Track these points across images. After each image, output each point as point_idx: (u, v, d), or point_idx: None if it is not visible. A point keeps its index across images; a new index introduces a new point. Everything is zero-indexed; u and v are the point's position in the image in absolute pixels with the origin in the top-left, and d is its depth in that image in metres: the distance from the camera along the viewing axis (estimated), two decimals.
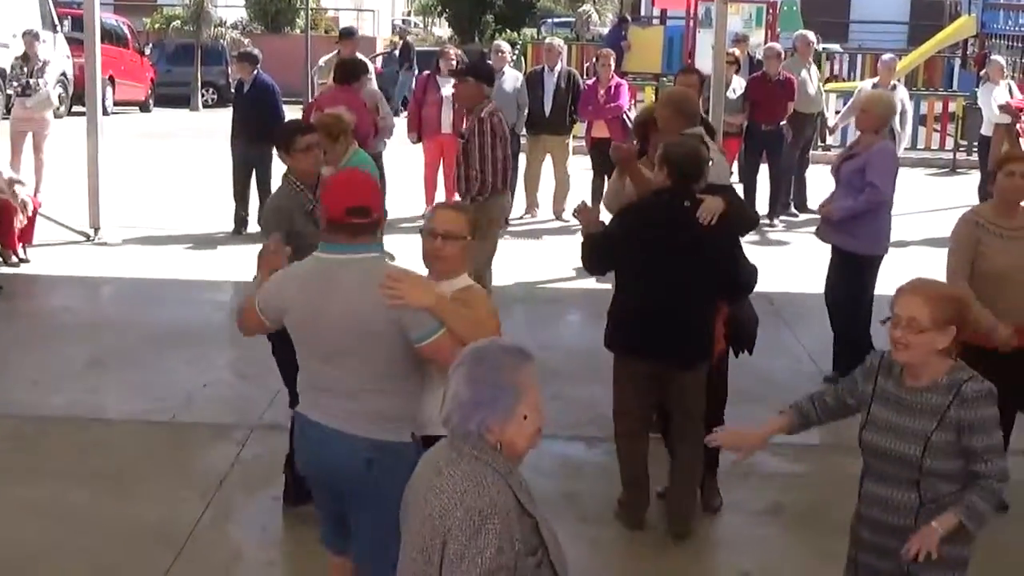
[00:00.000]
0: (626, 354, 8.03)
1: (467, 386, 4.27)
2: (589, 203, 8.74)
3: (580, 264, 8.39)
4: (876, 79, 20.21)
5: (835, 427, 10.19)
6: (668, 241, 7.81)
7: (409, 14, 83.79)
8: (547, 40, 22.94)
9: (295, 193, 8.19)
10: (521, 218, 18.44)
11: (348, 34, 19.36)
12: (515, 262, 14.57)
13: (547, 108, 18.14)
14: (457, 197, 12.30)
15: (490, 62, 18.35)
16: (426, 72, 19.21)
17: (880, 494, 5.61)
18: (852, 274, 11.16)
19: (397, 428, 5.82)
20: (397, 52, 39.50)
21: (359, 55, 17.70)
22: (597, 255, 8.15)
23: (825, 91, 22.88)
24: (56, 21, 32.91)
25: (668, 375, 7.96)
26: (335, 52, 18.33)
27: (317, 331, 5.74)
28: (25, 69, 19.89)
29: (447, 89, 17.95)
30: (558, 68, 18.70)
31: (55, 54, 27.65)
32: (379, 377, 5.77)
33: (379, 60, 38.02)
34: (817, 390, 6.15)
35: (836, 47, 36.73)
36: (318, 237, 6.67)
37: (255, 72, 17.55)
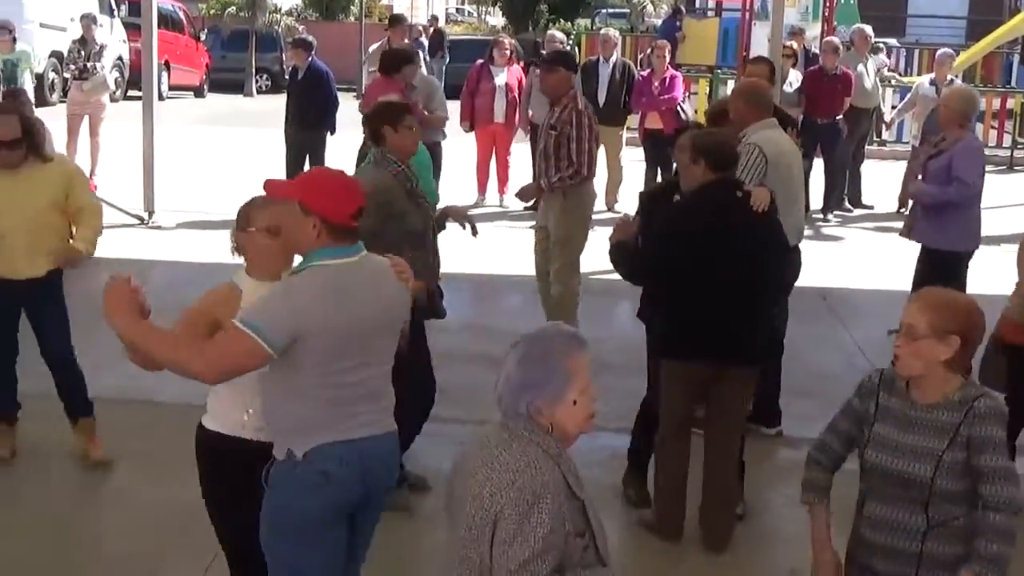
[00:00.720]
0: (689, 359, 7.72)
1: (518, 367, 4.34)
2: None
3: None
4: (932, 75, 20.07)
5: None
6: (729, 235, 7.62)
7: (463, 3, 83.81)
8: (602, 31, 22.87)
9: (397, 173, 8.02)
10: None
11: (397, 21, 19.29)
12: None
13: (601, 99, 18.11)
14: (519, 184, 12.37)
15: (543, 51, 18.36)
16: (479, 61, 19.20)
17: (885, 516, 5.27)
18: (943, 271, 11.05)
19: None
20: (426, 40, 39.37)
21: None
22: (648, 262, 7.84)
23: (881, 86, 22.73)
24: (113, 5, 33.14)
25: (723, 375, 7.75)
26: (385, 40, 18.30)
27: (362, 336, 5.45)
28: (83, 53, 19.99)
29: (500, 78, 17.98)
30: (613, 59, 18.69)
31: (112, 38, 27.81)
32: (390, 366, 5.71)
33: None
34: (817, 443, 5.80)
35: (893, 41, 36.49)
36: (418, 221, 6.81)
37: (310, 59, 17.59)
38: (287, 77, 20.55)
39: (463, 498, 4.38)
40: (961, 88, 14.17)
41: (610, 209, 18.38)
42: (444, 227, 8.59)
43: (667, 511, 8.00)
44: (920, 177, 11.45)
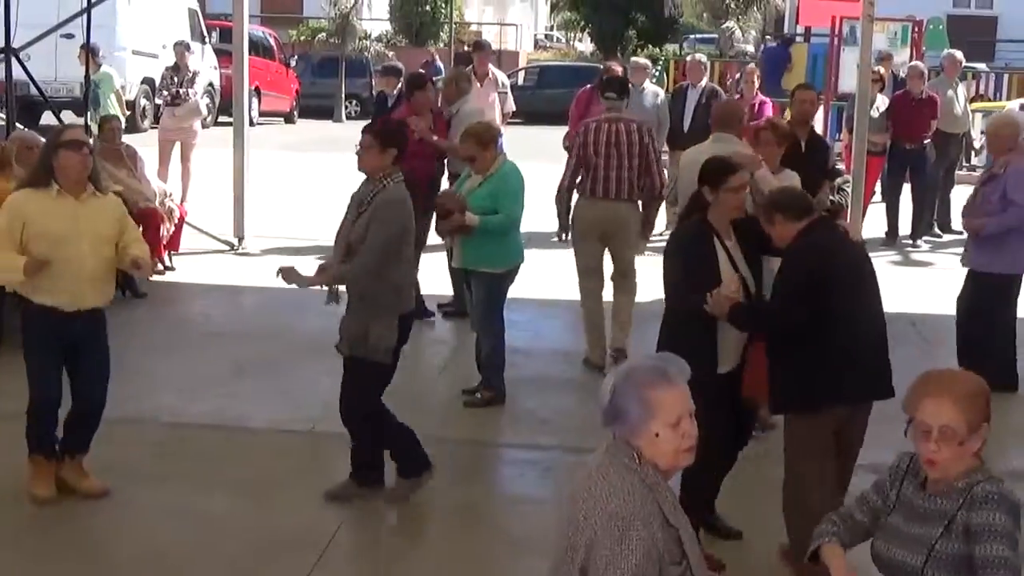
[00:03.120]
0: (835, 404, 7.42)
1: (610, 394, 4.42)
2: None
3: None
4: (1022, 99, 19.93)
5: (992, 451, 10.11)
6: (861, 270, 7.60)
7: (552, 28, 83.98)
8: (690, 56, 22.86)
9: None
10: (661, 234, 18.40)
11: (480, 47, 19.12)
12: (651, 277, 14.52)
13: (686, 124, 18.02)
14: None
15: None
16: (588, 86, 19.20)
17: None
18: (997, 296, 11.12)
19: None
20: (442, 64, 39.30)
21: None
22: (794, 314, 7.32)
23: (971, 111, 22.56)
24: (205, 32, 33.49)
25: (855, 415, 7.60)
26: (470, 67, 18.16)
27: None
28: (175, 79, 20.21)
29: None
30: (701, 84, 18.66)
31: (203, 65, 28.10)
32: None
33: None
34: (844, 510, 5.35)
35: (982, 66, 36.23)
36: None
37: (399, 85, 17.67)
38: (374, 103, 20.67)
39: (563, 520, 4.46)
40: (1003, 114, 14.25)
41: None
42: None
43: None
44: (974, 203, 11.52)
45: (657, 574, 4.27)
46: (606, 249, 12.03)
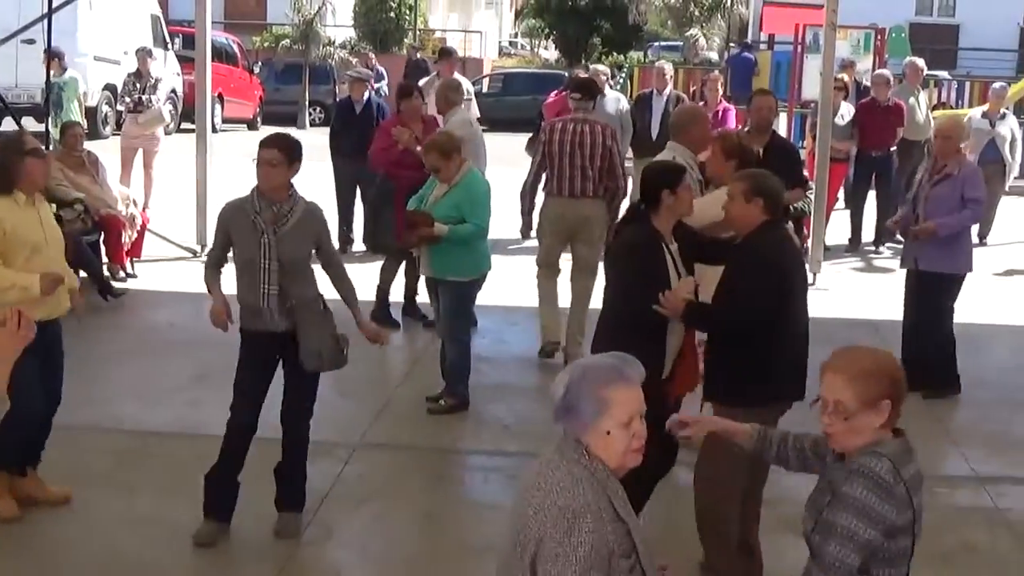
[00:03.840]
0: (778, 401, 7.51)
1: (563, 387, 4.42)
2: None
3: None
4: (985, 107, 20.02)
5: (937, 456, 10.17)
6: (804, 272, 7.88)
7: (516, 35, 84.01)
8: (656, 64, 22.91)
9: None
10: None
11: (446, 54, 19.12)
12: None
13: (654, 131, 18.03)
14: None
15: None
16: (559, 93, 19.25)
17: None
18: (946, 294, 11.54)
19: None
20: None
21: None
22: (755, 312, 7.32)
23: (933, 118, 22.63)
24: (167, 38, 33.38)
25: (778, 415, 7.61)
26: (435, 74, 18.22)
27: None
28: (137, 86, 20.14)
29: None
30: (666, 91, 18.69)
31: (166, 71, 28.00)
32: None
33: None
34: (802, 433, 5.44)
35: (944, 74, 36.40)
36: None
37: (367, 92, 17.67)
38: (337, 110, 20.65)
39: (512, 516, 4.46)
40: (950, 117, 14.46)
41: None
42: None
43: (740, 570, 7.79)
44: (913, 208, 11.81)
45: (607, 568, 4.27)
46: (568, 246, 12.31)
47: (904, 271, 11.91)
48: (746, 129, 12.36)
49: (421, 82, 19.65)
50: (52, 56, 20.04)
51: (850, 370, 4.78)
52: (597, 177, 11.91)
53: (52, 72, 20.20)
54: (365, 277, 12.15)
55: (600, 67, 21.24)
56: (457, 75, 17.70)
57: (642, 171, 8.09)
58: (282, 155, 7.99)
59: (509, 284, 13.78)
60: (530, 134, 19.31)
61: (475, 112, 18.14)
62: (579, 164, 11.89)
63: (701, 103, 19.08)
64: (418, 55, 41.36)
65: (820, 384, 4.83)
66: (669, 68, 20.50)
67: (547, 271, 12.47)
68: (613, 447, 4.38)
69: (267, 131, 31.14)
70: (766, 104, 12.24)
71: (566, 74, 20.78)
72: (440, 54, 19.66)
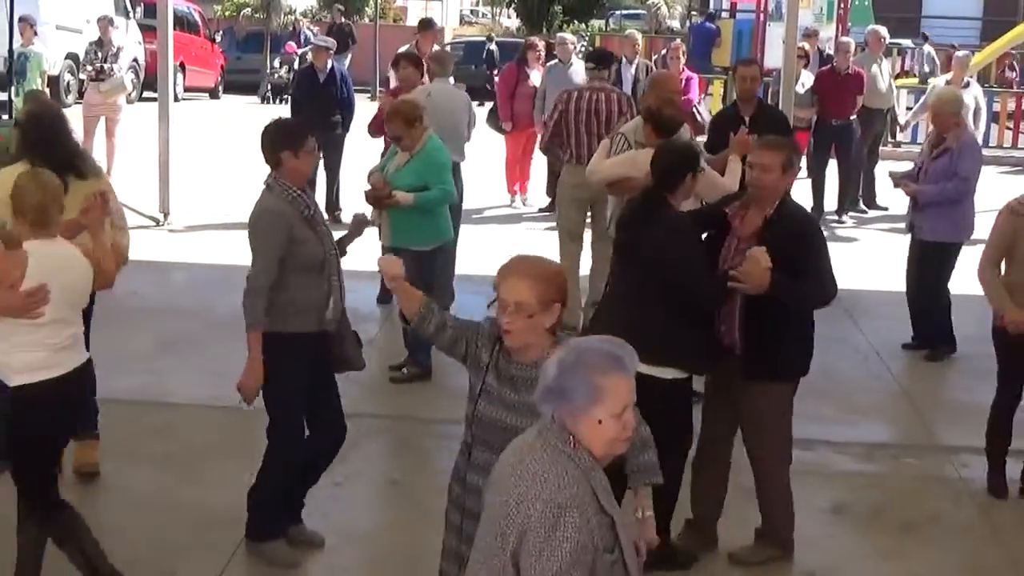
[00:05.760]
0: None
1: (556, 371, 4.28)
2: None
3: None
4: (949, 76, 20.08)
5: (905, 427, 10.26)
6: None
7: (477, 4, 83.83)
8: (627, 32, 22.98)
9: (294, 198, 7.40)
10: None
11: (427, 25, 19.04)
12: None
13: None
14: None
15: (555, 53, 18.45)
16: (511, 62, 19.32)
17: (490, 462, 4.90)
18: (935, 261, 11.81)
19: None
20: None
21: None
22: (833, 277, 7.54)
23: (896, 87, 22.70)
24: (129, 7, 33.18)
25: None
26: (412, 43, 18.15)
27: None
28: (99, 54, 20.07)
29: (535, 80, 18.03)
30: (636, 60, 18.79)
31: (128, 40, 27.82)
32: None
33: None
34: (450, 317, 5.97)
35: (907, 42, 36.46)
36: (317, 251, 6.83)
37: (330, 61, 17.66)
38: (297, 78, 20.66)
39: (491, 504, 4.38)
40: (945, 90, 14.56)
41: None
42: (346, 253, 7.80)
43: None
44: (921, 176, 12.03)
45: (590, 563, 4.18)
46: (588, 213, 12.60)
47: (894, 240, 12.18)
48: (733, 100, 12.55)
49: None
50: (26, 24, 20.06)
51: (531, 273, 5.33)
52: None
53: (22, 41, 20.19)
54: None
55: (567, 35, 21.21)
56: (436, 47, 17.68)
57: (660, 153, 7.86)
58: None
59: (474, 254, 13.77)
60: (491, 104, 19.37)
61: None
62: (595, 131, 12.16)
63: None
64: (342, 19, 41.20)
65: (499, 288, 5.33)
66: (639, 36, 20.60)
67: (569, 244, 12.63)
68: (603, 436, 4.27)
69: (228, 100, 30.82)
70: (748, 74, 12.42)
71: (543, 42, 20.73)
72: (420, 25, 19.61)
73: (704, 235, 7.74)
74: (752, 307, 7.33)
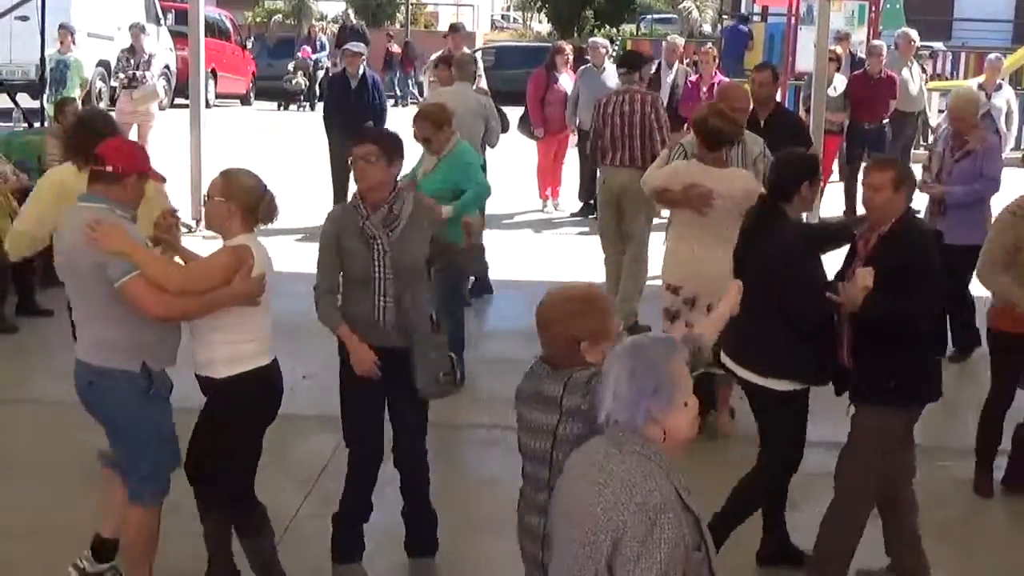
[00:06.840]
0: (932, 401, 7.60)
1: (628, 380, 4.31)
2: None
3: None
4: (980, 79, 20.01)
5: (936, 429, 10.21)
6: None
7: (509, 9, 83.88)
8: (668, 37, 23.10)
9: (354, 206, 7.46)
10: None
11: (456, 29, 19.25)
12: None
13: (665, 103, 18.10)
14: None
15: (587, 57, 18.47)
16: (541, 67, 19.33)
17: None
18: (961, 264, 11.58)
19: (116, 356, 6.76)
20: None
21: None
22: (937, 298, 7.44)
23: (927, 90, 22.64)
24: (160, 14, 33.30)
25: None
26: (446, 49, 18.23)
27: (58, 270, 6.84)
28: (131, 62, 20.16)
29: (563, 84, 18.05)
30: (675, 66, 18.86)
31: (159, 47, 27.97)
32: (101, 308, 6.69)
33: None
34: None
35: (939, 45, 36.31)
36: (361, 266, 7.14)
37: (362, 67, 17.69)
38: (328, 84, 20.66)
39: (567, 514, 4.38)
40: (964, 91, 14.55)
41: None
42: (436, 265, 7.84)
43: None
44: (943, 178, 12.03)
45: (684, 563, 4.21)
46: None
47: None
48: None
49: (432, 58, 19.67)
50: (66, 32, 20.24)
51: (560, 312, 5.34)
52: (640, 146, 12.53)
53: (61, 48, 20.33)
54: None
55: (600, 40, 21.23)
56: (466, 50, 17.72)
57: (779, 162, 7.82)
58: (379, 150, 7.29)
59: (505, 259, 13.79)
60: (523, 109, 19.37)
61: (484, 86, 18.02)
62: (627, 134, 12.59)
63: (696, 76, 19.08)
64: (353, 20, 41.28)
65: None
66: (681, 42, 20.72)
67: (605, 246, 13.03)
68: (688, 417, 4.39)
69: (259, 106, 30.80)
70: (760, 79, 12.54)
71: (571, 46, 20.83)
72: (450, 29, 19.78)
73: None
74: (862, 327, 7.22)
